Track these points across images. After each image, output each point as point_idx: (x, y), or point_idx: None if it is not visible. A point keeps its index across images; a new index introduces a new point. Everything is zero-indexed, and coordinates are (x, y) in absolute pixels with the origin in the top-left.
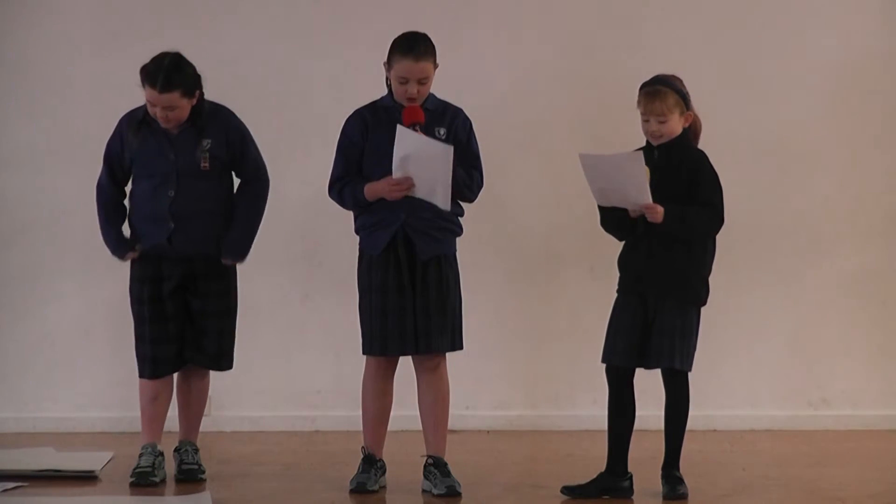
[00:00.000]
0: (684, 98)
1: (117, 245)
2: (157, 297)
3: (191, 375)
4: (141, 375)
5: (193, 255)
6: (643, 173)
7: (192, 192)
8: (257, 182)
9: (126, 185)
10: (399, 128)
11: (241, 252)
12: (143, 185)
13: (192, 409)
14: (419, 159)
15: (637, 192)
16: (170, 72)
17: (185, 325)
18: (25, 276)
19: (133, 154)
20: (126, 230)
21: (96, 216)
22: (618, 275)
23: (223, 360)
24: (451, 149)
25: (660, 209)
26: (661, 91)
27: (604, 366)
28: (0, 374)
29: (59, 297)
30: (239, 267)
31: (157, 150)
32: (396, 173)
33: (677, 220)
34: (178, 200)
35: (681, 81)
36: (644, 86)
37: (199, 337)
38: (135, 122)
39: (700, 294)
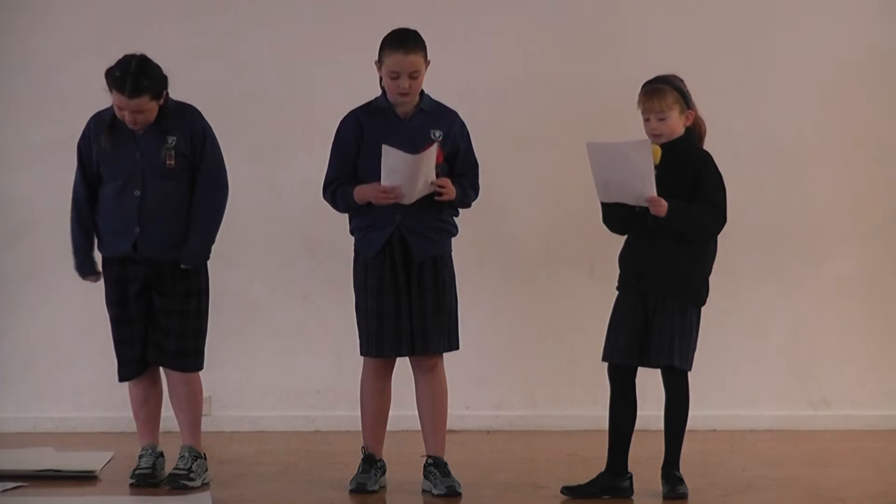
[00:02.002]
0: (684, 96)
1: (83, 265)
2: (122, 299)
3: (172, 379)
4: (119, 379)
5: (158, 259)
6: (650, 163)
7: (158, 192)
8: (214, 189)
9: (97, 189)
10: (385, 147)
11: (199, 260)
12: (109, 188)
13: (183, 414)
14: (408, 171)
15: (642, 183)
16: (137, 76)
17: (148, 325)
18: (25, 276)
19: (101, 156)
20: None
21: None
22: (617, 274)
23: (186, 361)
24: (434, 147)
25: (664, 203)
26: (660, 89)
27: (605, 365)
28: (1, 374)
29: (60, 297)
30: (240, 267)
31: (124, 151)
32: (385, 182)
33: (680, 216)
34: (145, 201)
35: (681, 80)
36: (644, 85)
37: (160, 336)
38: (104, 124)
39: (700, 294)
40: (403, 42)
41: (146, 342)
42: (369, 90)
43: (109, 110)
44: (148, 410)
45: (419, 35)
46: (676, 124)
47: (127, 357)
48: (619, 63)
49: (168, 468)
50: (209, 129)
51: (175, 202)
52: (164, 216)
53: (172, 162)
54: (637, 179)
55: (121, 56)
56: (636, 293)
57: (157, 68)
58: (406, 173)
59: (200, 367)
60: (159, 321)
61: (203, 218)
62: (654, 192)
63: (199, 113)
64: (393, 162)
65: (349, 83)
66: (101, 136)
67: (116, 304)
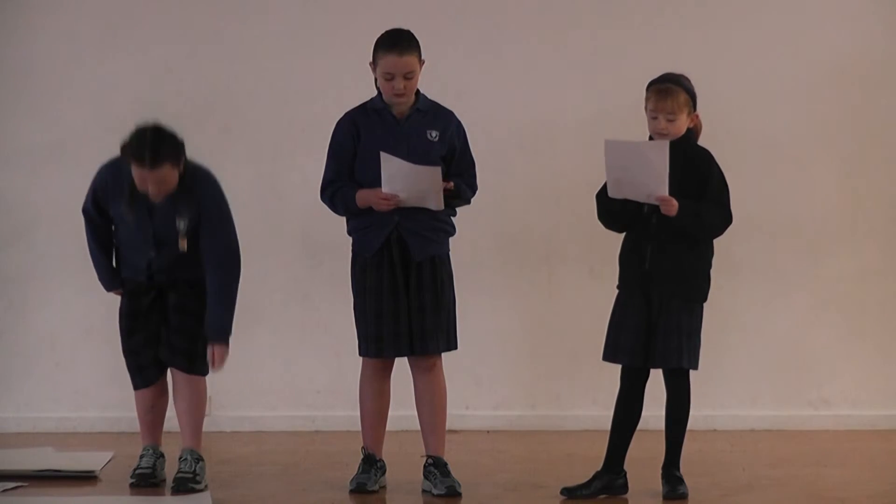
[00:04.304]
0: (693, 98)
1: (109, 280)
2: (136, 311)
3: (178, 381)
4: (135, 388)
5: (175, 278)
6: (666, 163)
7: (172, 255)
8: (228, 270)
9: (110, 220)
10: (383, 154)
11: (226, 335)
12: (123, 236)
13: (187, 417)
14: (407, 179)
15: (655, 182)
16: (156, 145)
17: (161, 326)
18: (25, 276)
19: (117, 216)
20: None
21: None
22: (617, 274)
23: (196, 364)
24: (438, 169)
25: (675, 202)
26: (673, 89)
27: (605, 365)
28: (1, 375)
29: (59, 297)
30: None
31: (137, 223)
32: (385, 188)
33: (691, 215)
34: (159, 260)
35: (689, 81)
36: (654, 83)
37: (172, 335)
38: (121, 190)
39: (705, 291)
40: (397, 43)
41: (158, 346)
42: (370, 90)
43: (124, 169)
44: (154, 415)
45: (413, 35)
46: (683, 125)
47: (144, 361)
48: (619, 63)
49: (168, 468)
50: (221, 200)
51: (189, 262)
52: (179, 262)
53: (185, 244)
54: (651, 179)
55: (121, 57)
56: (640, 293)
57: (172, 134)
58: (406, 181)
59: (206, 372)
60: (172, 320)
61: (220, 297)
62: (667, 192)
63: (211, 182)
64: (392, 170)
65: (349, 83)
66: (118, 197)
67: (131, 316)
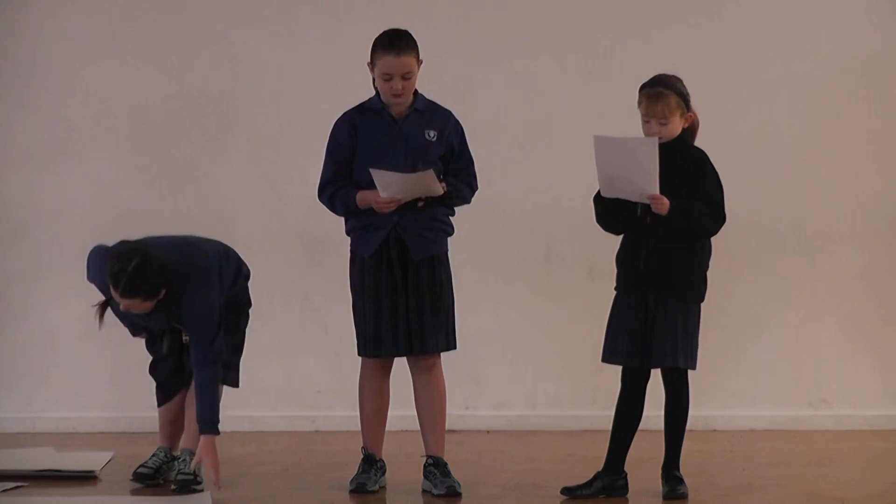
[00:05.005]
0: (685, 99)
1: (134, 331)
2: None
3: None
4: (158, 405)
5: None
6: (655, 160)
7: (178, 337)
8: (214, 364)
9: None
10: (373, 170)
11: (215, 424)
12: None
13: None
14: (402, 186)
15: (646, 180)
16: (132, 281)
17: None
18: (25, 276)
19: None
20: None
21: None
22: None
23: (227, 371)
24: (430, 172)
25: (666, 200)
26: (664, 93)
27: (604, 365)
28: (0, 374)
29: (59, 297)
30: None
31: (140, 321)
32: (382, 194)
33: (682, 215)
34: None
35: (681, 82)
36: (645, 87)
37: None
38: (110, 297)
39: (701, 291)
40: (395, 43)
41: (181, 356)
42: (368, 90)
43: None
44: (174, 427)
45: (411, 35)
46: (676, 127)
47: (163, 374)
48: (619, 62)
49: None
50: (203, 304)
51: None
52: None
53: (187, 338)
54: (641, 176)
55: (120, 57)
56: (636, 293)
57: (156, 270)
58: (400, 187)
59: (233, 384)
60: None
61: (204, 392)
62: (657, 190)
63: (192, 302)
64: (385, 182)
65: (349, 83)
66: (112, 299)
67: (152, 340)
